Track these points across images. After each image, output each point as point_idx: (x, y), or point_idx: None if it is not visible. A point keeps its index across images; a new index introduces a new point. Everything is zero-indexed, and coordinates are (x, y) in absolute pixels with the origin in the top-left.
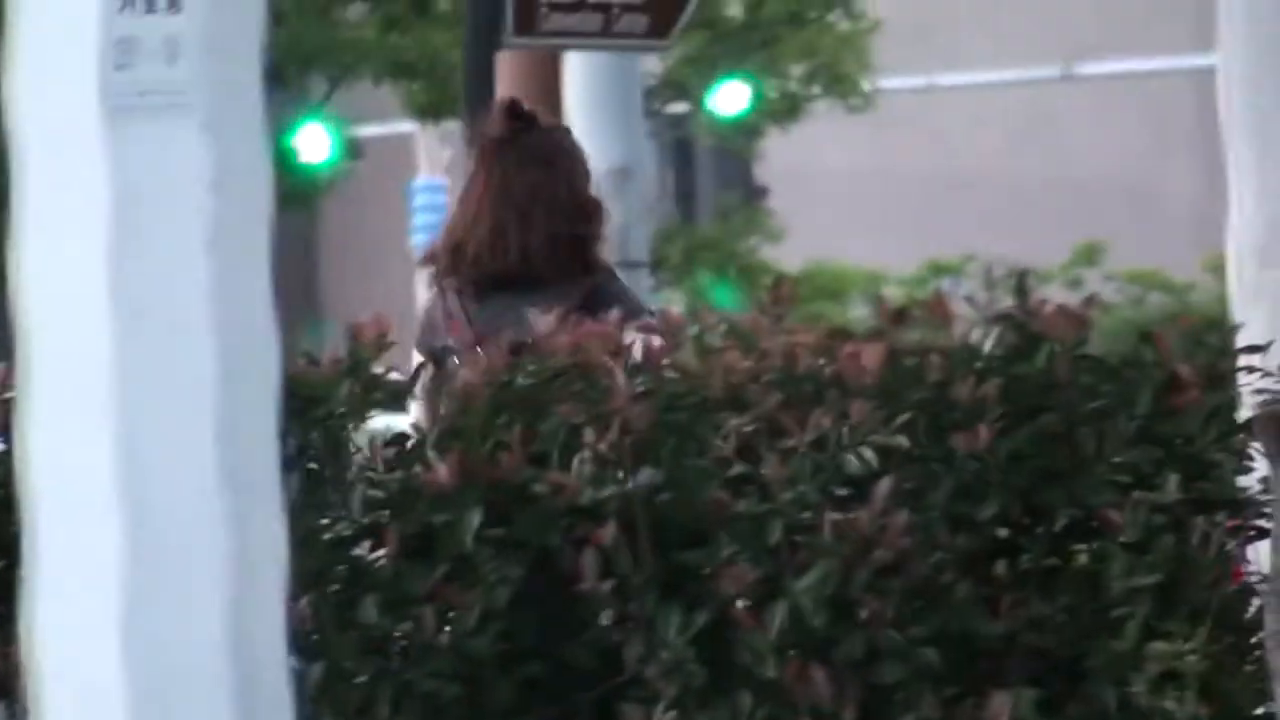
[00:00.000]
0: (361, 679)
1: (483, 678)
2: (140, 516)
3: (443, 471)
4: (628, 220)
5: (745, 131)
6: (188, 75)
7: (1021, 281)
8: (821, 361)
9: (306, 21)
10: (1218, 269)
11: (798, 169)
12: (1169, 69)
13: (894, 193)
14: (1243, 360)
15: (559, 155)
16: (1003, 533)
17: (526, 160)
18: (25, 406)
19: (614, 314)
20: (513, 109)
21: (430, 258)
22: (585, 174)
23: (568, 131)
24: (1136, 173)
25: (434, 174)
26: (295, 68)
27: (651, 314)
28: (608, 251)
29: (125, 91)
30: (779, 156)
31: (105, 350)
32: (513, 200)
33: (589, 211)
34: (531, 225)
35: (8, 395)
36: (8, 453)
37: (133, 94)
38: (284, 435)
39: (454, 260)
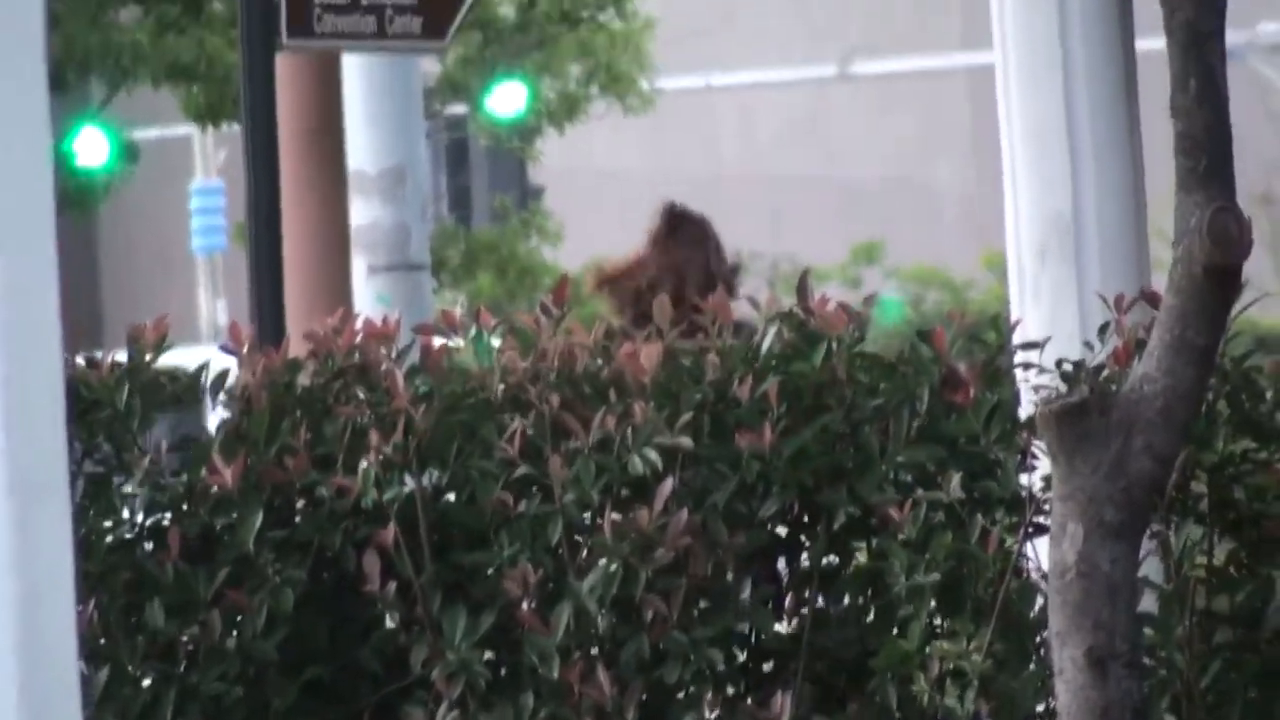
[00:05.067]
0: (146, 683)
1: (268, 680)
2: None
3: (227, 474)
4: (405, 221)
5: (522, 133)
6: None
7: (803, 279)
8: (599, 362)
9: (80, 25)
10: (997, 266)
11: (572, 170)
12: (941, 68)
13: (669, 193)
14: (1020, 356)
15: (705, 239)
16: (782, 531)
17: (685, 241)
18: None
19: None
20: (673, 209)
21: (617, 291)
22: (722, 250)
23: (706, 221)
24: (910, 171)
25: (210, 177)
26: (73, 71)
27: None
28: (389, 255)
29: None
30: (553, 158)
31: None
32: (684, 268)
33: (726, 276)
34: (688, 285)
35: None
36: None
37: None
38: (69, 438)
39: (637, 300)
